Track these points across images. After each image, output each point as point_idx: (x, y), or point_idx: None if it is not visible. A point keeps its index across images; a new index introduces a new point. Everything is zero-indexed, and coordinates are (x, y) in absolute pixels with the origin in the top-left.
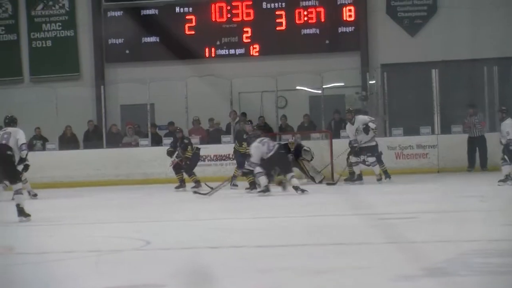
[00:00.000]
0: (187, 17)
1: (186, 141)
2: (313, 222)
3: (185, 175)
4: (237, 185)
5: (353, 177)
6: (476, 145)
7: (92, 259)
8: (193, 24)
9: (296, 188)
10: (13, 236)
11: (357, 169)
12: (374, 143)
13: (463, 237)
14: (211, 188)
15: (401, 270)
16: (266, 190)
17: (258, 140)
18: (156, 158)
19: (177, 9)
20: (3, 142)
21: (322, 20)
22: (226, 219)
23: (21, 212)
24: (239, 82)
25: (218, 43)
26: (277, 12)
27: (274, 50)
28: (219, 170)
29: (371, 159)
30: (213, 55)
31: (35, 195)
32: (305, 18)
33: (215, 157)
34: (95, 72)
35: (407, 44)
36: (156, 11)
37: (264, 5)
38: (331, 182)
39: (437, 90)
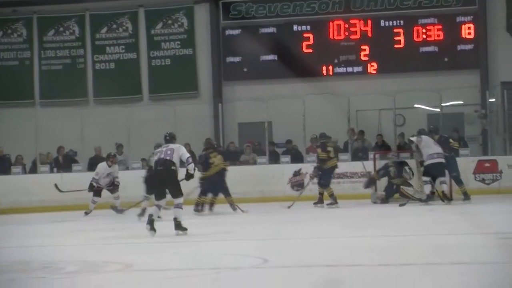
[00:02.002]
0: (304, 35)
1: None
2: (434, 241)
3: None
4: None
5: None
6: None
7: (212, 276)
8: (311, 42)
9: None
10: (134, 252)
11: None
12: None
13: None
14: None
15: None
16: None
17: None
18: (273, 175)
19: (295, 27)
20: (167, 158)
21: (441, 37)
22: (346, 238)
23: (178, 226)
24: (356, 100)
25: (336, 61)
26: (395, 30)
27: (392, 68)
28: (336, 188)
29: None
30: (330, 73)
31: (122, 210)
32: (424, 36)
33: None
34: (213, 90)
35: None
36: (274, 30)
37: (382, 23)
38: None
39: None
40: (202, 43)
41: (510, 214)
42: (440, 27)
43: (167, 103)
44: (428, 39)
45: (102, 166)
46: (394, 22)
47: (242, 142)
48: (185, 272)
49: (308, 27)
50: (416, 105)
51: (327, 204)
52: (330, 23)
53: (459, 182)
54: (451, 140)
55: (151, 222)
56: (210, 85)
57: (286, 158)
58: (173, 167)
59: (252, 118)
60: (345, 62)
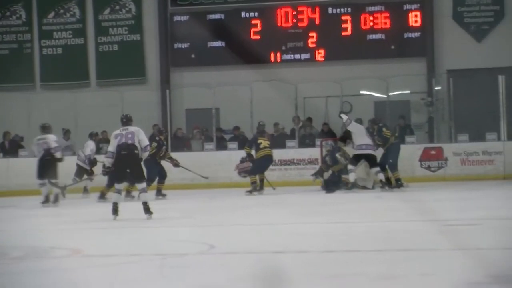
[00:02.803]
0: (252, 22)
1: None
2: (380, 228)
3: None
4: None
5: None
6: None
7: (157, 262)
8: (259, 29)
9: None
10: (81, 238)
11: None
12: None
13: None
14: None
15: (468, 278)
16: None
17: None
18: (220, 162)
19: (243, 14)
20: (129, 142)
21: (388, 25)
22: (293, 224)
23: (148, 209)
24: (304, 87)
25: (283, 48)
26: (342, 17)
27: (339, 55)
28: (283, 174)
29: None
30: (278, 60)
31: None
32: (371, 24)
33: (279, 162)
34: (160, 76)
35: (474, 50)
36: (222, 16)
37: (329, 10)
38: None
39: (503, 96)
40: (150, 29)
41: (455, 201)
42: (387, 14)
43: (114, 88)
44: (375, 26)
45: (91, 144)
46: (342, 9)
47: (189, 128)
48: (132, 258)
49: (256, 14)
50: (363, 92)
51: (246, 191)
52: (278, 10)
53: (393, 169)
54: (384, 129)
55: (115, 211)
56: (158, 71)
57: (233, 145)
58: (136, 151)
59: (200, 105)
60: (293, 49)
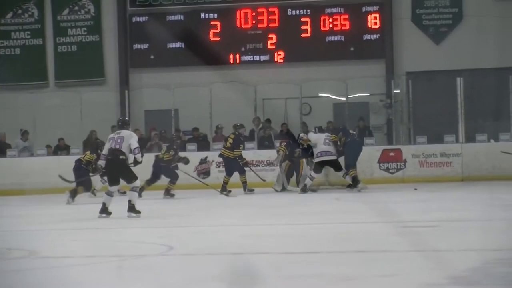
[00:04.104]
0: (212, 23)
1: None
2: (339, 229)
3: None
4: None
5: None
6: None
7: (114, 264)
8: (218, 30)
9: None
10: (37, 239)
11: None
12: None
13: (487, 246)
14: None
15: (426, 278)
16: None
17: None
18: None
19: (202, 15)
20: (117, 147)
21: (347, 27)
22: (253, 226)
23: (131, 208)
24: (263, 89)
25: (243, 49)
26: (302, 19)
27: (299, 57)
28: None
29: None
30: (237, 61)
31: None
32: (330, 25)
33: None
34: (119, 77)
35: (432, 52)
36: (182, 17)
37: (289, 12)
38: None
39: (461, 99)
40: (109, 30)
41: (413, 203)
42: (346, 16)
43: (73, 89)
44: (334, 28)
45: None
46: (301, 11)
47: (148, 130)
48: (90, 259)
49: (216, 15)
50: (322, 94)
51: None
52: (238, 12)
53: (348, 169)
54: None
55: (104, 210)
56: (117, 72)
57: (192, 146)
58: (121, 157)
59: (159, 106)
60: (252, 50)
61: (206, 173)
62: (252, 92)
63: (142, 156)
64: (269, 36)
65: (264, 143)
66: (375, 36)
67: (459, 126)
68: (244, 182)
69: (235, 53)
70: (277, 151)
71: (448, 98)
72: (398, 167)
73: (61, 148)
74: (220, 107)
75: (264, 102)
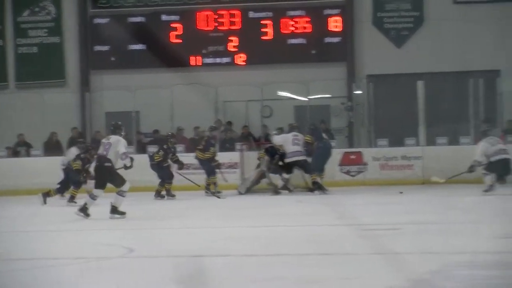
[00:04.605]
0: (173, 25)
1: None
2: (302, 232)
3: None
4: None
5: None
6: None
7: (78, 266)
8: (179, 32)
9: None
10: (4, 240)
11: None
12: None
13: (448, 249)
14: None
15: (387, 281)
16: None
17: None
18: (140, 166)
19: (164, 17)
20: (104, 153)
21: (309, 30)
22: (217, 228)
23: (114, 210)
24: (224, 91)
25: (204, 51)
26: (263, 22)
27: (260, 59)
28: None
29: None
30: (199, 63)
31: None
32: (292, 28)
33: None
34: (80, 78)
35: (394, 55)
36: (143, 19)
37: (250, 14)
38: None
39: (422, 102)
40: (70, 31)
41: (374, 205)
42: (308, 19)
43: (34, 91)
44: (296, 31)
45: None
46: (263, 13)
47: (109, 132)
48: (50, 261)
49: (177, 17)
50: (283, 96)
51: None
52: (199, 14)
53: (314, 172)
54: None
55: (83, 210)
56: (78, 74)
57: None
58: (106, 164)
59: (120, 108)
60: (214, 53)
61: None
62: (213, 94)
63: (132, 160)
64: (231, 38)
65: (225, 146)
66: (337, 39)
67: (419, 129)
68: (212, 184)
69: (196, 55)
70: (259, 159)
71: (409, 101)
72: (359, 169)
73: (20, 144)
74: (181, 109)
75: (225, 104)
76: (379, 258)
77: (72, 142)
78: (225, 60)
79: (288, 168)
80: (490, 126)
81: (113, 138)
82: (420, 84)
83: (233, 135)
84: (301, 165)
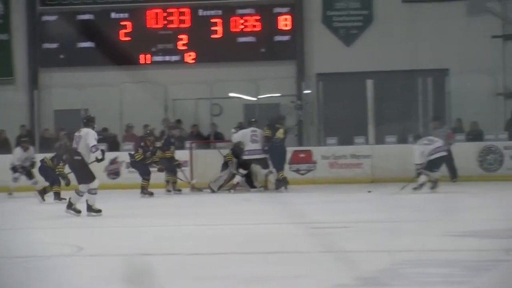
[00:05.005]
0: (122, 23)
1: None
2: (250, 230)
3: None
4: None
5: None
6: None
7: (22, 264)
8: (129, 30)
9: None
10: None
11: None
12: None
13: (397, 247)
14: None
15: (336, 280)
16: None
17: None
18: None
19: (113, 15)
20: (74, 146)
21: (258, 28)
22: (164, 227)
23: (89, 208)
24: (174, 89)
25: (153, 49)
26: (213, 20)
27: (210, 57)
28: (152, 176)
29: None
30: (148, 61)
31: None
32: (241, 26)
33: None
34: (28, 76)
35: (343, 54)
36: (92, 17)
37: (200, 12)
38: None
39: (371, 100)
40: (18, 29)
41: (322, 204)
42: (257, 17)
43: None
44: (245, 29)
45: (18, 151)
46: (212, 11)
47: (58, 129)
48: None
49: (126, 15)
50: (232, 95)
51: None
52: (148, 12)
53: (278, 169)
54: (264, 128)
55: (69, 205)
56: (26, 71)
57: (103, 146)
58: (75, 157)
59: (69, 106)
60: (163, 51)
61: (115, 173)
62: (162, 93)
63: (103, 153)
64: (180, 36)
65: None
66: (286, 38)
67: (369, 128)
68: (169, 182)
69: (145, 53)
70: (227, 161)
71: (358, 100)
72: (309, 168)
73: None
74: (130, 107)
75: (175, 102)
76: (328, 256)
77: (19, 141)
78: (175, 58)
79: (245, 165)
80: (439, 124)
81: (83, 131)
82: (369, 83)
83: (183, 133)
84: (259, 162)
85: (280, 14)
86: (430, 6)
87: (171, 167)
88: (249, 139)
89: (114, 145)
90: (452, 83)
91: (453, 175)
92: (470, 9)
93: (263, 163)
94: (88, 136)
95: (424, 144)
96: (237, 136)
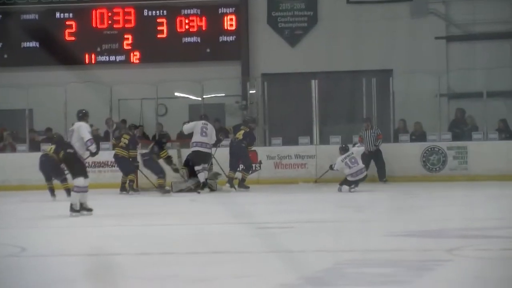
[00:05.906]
0: (67, 22)
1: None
2: (195, 230)
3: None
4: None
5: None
6: (372, 158)
7: None
8: (74, 30)
9: None
10: None
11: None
12: None
13: (340, 247)
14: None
15: (280, 279)
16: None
17: None
18: (34, 164)
19: (58, 15)
20: (68, 140)
21: (204, 28)
22: (110, 227)
23: (81, 206)
24: (119, 89)
25: (98, 49)
26: (158, 20)
27: (155, 57)
28: (97, 177)
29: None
30: (93, 61)
31: None
32: (186, 27)
33: (93, 164)
34: None
35: (288, 54)
36: (36, 16)
37: (145, 12)
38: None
39: (316, 101)
40: None
41: (267, 204)
42: (203, 18)
43: None
44: (191, 29)
45: None
46: (158, 12)
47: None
48: None
49: (71, 15)
50: (177, 95)
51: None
52: (93, 11)
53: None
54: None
55: (74, 209)
56: None
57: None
58: (68, 150)
59: (13, 105)
60: (108, 50)
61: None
62: (107, 93)
63: (97, 147)
64: (125, 36)
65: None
66: (231, 38)
67: (313, 128)
68: (132, 181)
69: (90, 53)
70: (163, 158)
71: (303, 100)
72: (254, 168)
73: None
74: (75, 107)
75: (120, 102)
76: (272, 256)
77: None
78: (120, 58)
79: (192, 156)
80: (369, 125)
81: (76, 125)
82: (314, 83)
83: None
84: (202, 157)
85: (225, 14)
86: (375, 7)
87: (131, 166)
88: (199, 131)
89: (62, 145)
90: (396, 84)
91: (382, 175)
92: (414, 10)
93: (206, 158)
94: (81, 130)
95: (345, 164)
96: (188, 127)
